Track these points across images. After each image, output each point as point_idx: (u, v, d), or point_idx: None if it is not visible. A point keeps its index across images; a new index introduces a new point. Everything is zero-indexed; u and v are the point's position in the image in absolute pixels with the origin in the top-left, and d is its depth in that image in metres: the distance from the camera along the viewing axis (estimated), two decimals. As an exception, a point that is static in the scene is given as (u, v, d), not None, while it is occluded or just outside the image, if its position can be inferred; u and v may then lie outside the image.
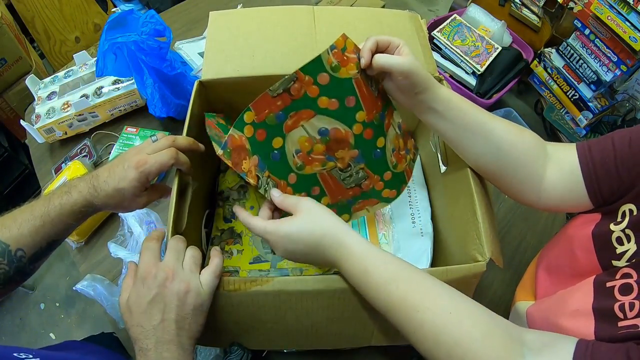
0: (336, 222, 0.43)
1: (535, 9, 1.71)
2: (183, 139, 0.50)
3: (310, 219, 0.43)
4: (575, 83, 1.48)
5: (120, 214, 0.73)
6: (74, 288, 0.67)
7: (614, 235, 0.41)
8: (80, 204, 0.46)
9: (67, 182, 0.48)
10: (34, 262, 0.46)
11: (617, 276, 0.39)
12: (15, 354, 0.41)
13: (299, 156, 0.50)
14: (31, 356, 0.42)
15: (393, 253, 0.61)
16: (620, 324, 0.36)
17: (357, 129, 0.50)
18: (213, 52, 0.59)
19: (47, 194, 0.47)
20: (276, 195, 0.47)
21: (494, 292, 0.71)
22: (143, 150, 0.48)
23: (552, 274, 0.53)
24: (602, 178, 0.43)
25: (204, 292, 0.42)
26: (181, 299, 0.40)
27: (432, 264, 0.62)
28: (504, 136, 0.47)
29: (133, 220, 0.71)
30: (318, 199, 0.52)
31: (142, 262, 0.42)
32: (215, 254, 0.46)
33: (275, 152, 0.48)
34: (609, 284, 0.39)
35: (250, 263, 0.59)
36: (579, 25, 1.39)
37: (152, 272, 0.41)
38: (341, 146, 0.51)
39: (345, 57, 0.46)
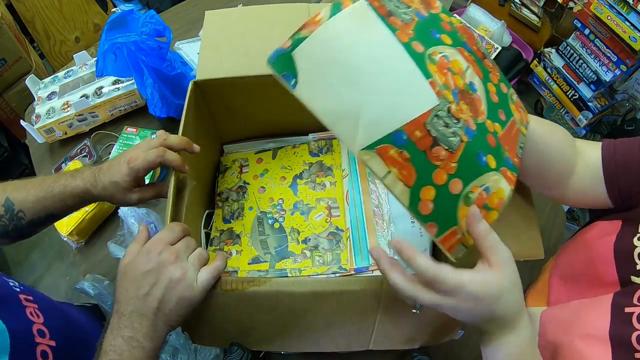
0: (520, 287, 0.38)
1: (535, 9, 1.71)
2: (175, 138, 0.50)
3: (508, 276, 0.37)
4: (575, 83, 1.48)
5: (120, 214, 0.73)
6: (74, 287, 0.67)
7: (637, 251, 0.41)
8: (79, 189, 0.50)
9: (79, 168, 0.53)
10: (31, 226, 0.51)
11: (636, 299, 0.38)
12: (10, 283, 0.46)
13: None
14: (31, 298, 0.47)
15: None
16: (637, 355, 0.35)
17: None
18: (208, 51, 0.59)
19: (63, 172, 0.52)
20: (483, 227, 0.37)
21: (493, 292, 0.71)
22: (139, 148, 0.50)
23: (567, 282, 0.52)
24: (623, 178, 0.43)
25: (197, 288, 0.42)
26: (172, 284, 0.41)
27: (432, 264, 0.62)
28: (538, 132, 0.45)
29: (133, 221, 0.71)
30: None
31: (156, 237, 0.43)
32: (220, 257, 0.46)
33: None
34: (627, 310, 0.38)
35: (249, 263, 0.59)
36: (579, 25, 1.39)
37: (159, 248, 0.42)
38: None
39: None
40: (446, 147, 0.35)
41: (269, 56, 0.35)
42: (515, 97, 0.44)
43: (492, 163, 0.38)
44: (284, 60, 0.35)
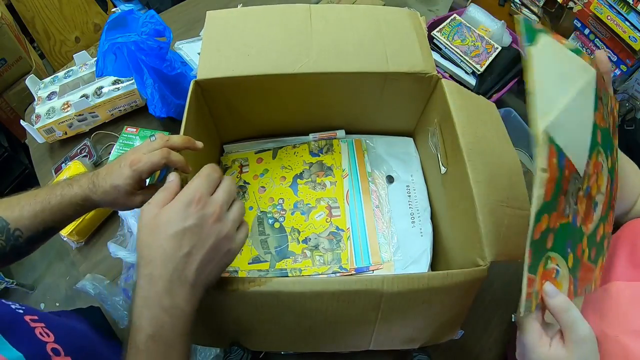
0: None
1: (535, 9, 1.71)
2: (177, 138, 0.50)
3: (578, 358, 0.36)
4: (575, 83, 1.48)
5: (120, 214, 0.73)
6: (74, 287, 0.67)
7: None
8: (79, 197, 0.48)
9: (72, 176, 0.50)
10: (30, 244, 0.48)
11: None
12: (12, 306, 0.43)
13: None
14: (37, 318, 0.44)
15: (392, 253, 0.61)
16: None
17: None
18: (209, 51, 0.59)
19: (54, 183, 0.49)
20: (559, 301, 0.36)
21: (494, 292, 0.71)
22: (139, 150, 0.48)
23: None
24: None
25: (236, 247, 0.40)
26: (216, 243, 0.37)
27: (432, 265, 0.62)
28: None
29: (133, 221, 0.71)
30: None
31: (193, 186, 0.39)
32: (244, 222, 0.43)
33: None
34: None
35: (249, 263, 0.59)
36: (579, 25, 1.39)
37: (201, 201, 0.37)
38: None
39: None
40: (568, 206, 0.38)
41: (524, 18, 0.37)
42: (602, 258, 0.46)
43: (570, 261, 0.39)
44: (531, 29, 0.37)
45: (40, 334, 0.43)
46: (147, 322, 0.35)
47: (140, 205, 0.50)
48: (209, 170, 0.41)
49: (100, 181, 0.48)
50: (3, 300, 0.43)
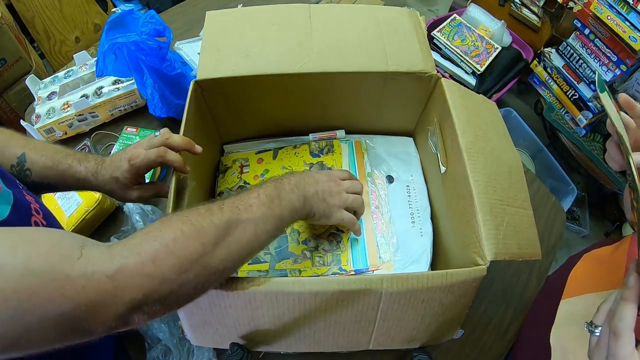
0: None
1: (535, 9, 1.71)
2: (177, 138, 0.51)
3: None
4: (575, 83, 1.48)
5: (126, 209, 0.74)
6: None
7: None
8: (81, 176, 0.51)
9: (89, 153, 0.54)
10: (35, 187, 0.51)
11: None
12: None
13: None
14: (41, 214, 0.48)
15: (392, 253, 0.61)
16: None
17: None
18: (209, 51, 0.59)
19: (74, 150, 0.54)
20: None
21: (494, 292, 0.71)
22: (140, 145, 0.51)
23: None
24: None
25: (331, 219, 0.53)
26: (330, 190, 0.53)
27: (432, 264, 0.62)
28: None
29: (138, 217, 0.71)
30: None
31: (334, 173, 0.56)
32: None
33: None
34: None
35: (249, 264, 0.59)
36: (579, 25, 1.39)
37: (338, 188, 0.54)
38: None
39: None
40: None
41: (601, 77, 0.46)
42: None
43: None
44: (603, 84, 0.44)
45: (35, 222, 0.46)
46: (269, 190, 0.46)
47: (136, 200, 0.53)
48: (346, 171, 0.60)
49: (102, 170, 0.51)
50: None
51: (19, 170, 0.50)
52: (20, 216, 0.43)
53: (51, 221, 0.52)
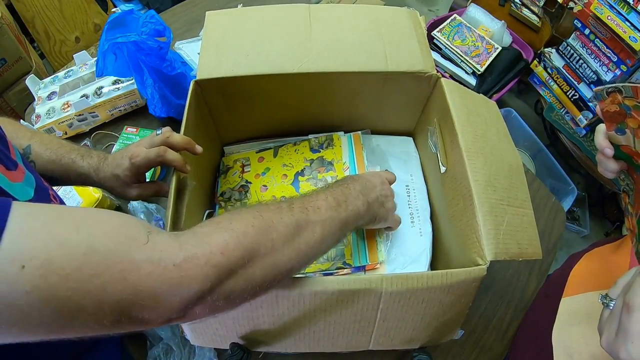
0: None
1: (535, 9, 1.71)
2: (178, 137, 0.51)
3: None
4: (575, 83, 1.48)
5: (130, 208, 0.74)
6: None
7: None
8: (83, 172, 0.52)
9: (92, 149, 0.56)
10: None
11: None
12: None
13: None
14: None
15: (390, 252, 0.61)
16: None
17: None
18: (208, 51, 0.59)
19: (78, 145, 0.55)
20: None
21: (494, 292, 0.71)
22: (141, 143, 0.51)
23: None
24: None
25: (386, 213, 0.53)
26: (383, 197, 0.52)
27: (432, 264, 0.62)
28: None
29: (142, 216, 0.72)
30: None
31: (382, 174, 0.56)
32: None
33: None
34: None
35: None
36: (579, 25, 1.39)
37: (391, 195, 0.55)
38: None
39: None
40: None
41: None
42: None
43: None
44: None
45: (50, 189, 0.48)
46: (337, 193, 0.45)
47: (135, 198, 0.54)
48: (388, 172, 0.58)
49: (104, 167, 0.52)
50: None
51: (24, 163, 0.50)
52: (42, 199, 0.44)
53: None
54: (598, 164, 0.47)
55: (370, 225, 0.53)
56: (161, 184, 0.57)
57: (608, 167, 0.46)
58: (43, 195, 0.45)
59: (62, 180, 0.53)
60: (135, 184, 0.53)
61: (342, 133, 0.71)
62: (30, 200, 0.41)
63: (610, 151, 0.45)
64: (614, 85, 0.39)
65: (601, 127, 0.45)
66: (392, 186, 0.56)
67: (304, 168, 0.68)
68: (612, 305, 0.36)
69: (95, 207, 0.73)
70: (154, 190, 0.56)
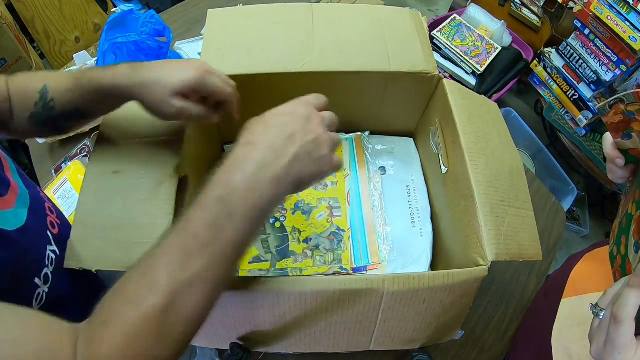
0: None
1: (535, 9, 1.71)
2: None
3: None
4: (575, 83, 1.48)
5: None
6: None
7: None
8: (108, 83, 0.43)
9: (113, 64, 0.47)
10: (63, 120, 0.46)
11: None
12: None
13: None
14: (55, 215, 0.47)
15: (392, 253, 0.61)
16: None
17: None
18: (210, 50, 0.59)
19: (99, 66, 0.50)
20: None
21: (494, 292, 0.71)
22: (217, 72, 0.46)
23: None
24: None
25: (331, 161, 0.37)
26: (318, 141, 0.36)
27: (433, 265, 0.62)
28: None
29: None
30: None
31: (302, 98, 0.39)
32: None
33: None
34: None
35: (250, 262, 0.59)
36: (579, 25, 1.39)
37: (307, 108, 0.37)
38: None
39: None
40: None
41: None
42: None
43: None
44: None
45: (51, 223, 0.46)
46: (220, 183, 0.33)
47: (175, 114, 0.43)
48: (319, 95, 0.41)
49: (144, 70, 0.43)
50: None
51: (44, 105, 0.45)
52: (37, 218, 0.42)
53: (63, 220, 0.51)
54: (608, 172, 0.47)
55: (302, 189, 0.38)
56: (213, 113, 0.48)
57: (618, 175, 0.46)
58: (39, 215, 0.43)
59: (86, 108, 0.46)
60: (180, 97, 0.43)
61: (342, 134, 0.71)
62: (23, 225, 0.41)
63: (621, 161, 0.44)
64: (615, 97, 0.39)
65: (608, 138, 0.45)
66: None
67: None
68: (601, 315, 0.36)
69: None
70: (204, 113, 0.46)
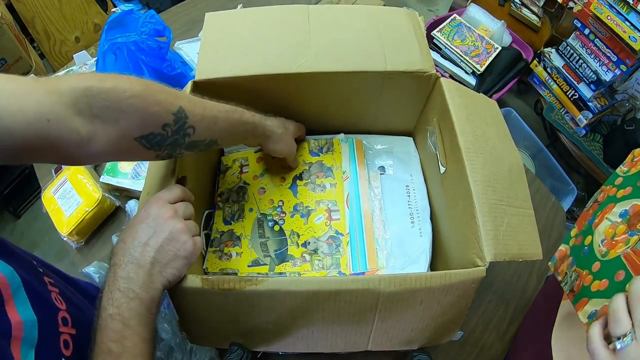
0: None
1: (535, 9, 1.71)
2: None
3: None
4: (575, 83, 1.48)
5: (127, 208, 0.74)
6: (81, 271, 0.67)
7: None
8: (251, 121, 0.53)
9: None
10: (186, 147, 0.46)
11: None
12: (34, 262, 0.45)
13: (604, 244, 0.48)
14: (53, 281, 0.46)
15: (391, 253, 0.61)
16: None
17: None
18: (207, 52, 0.59)
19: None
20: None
21: (493, 292, 0.71)
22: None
23: None
24: None
25: (194, 245, 0.43)
26: (171, 234, 0.41)
27: (432, 265, 0.62)
28: None
29: None
30: (624, 284, 0.44)
31: (155, 195, 0.44)
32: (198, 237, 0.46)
33: (585, 248, 0.49)
34: None
35: (249, 266, 0.59)
36: (579, 25, 1.39)
37: (158, 204, 0.43)
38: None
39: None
40: None
41: None
42: None
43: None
44: None
45: (55, 299, 0.44)
46: (109, 302, 0.38)
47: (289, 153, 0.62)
48: (172, 186, 0.46)
49: (271, 119, 0.57)
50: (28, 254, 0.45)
51: (178, 129, 0.43)
52: (47, 351, 0.39)
53: (63, 288, 0.47)
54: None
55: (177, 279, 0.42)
56: None
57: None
58: (49, 343, 0.39)
59: (223, 140, 0.49)
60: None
61: (342, 136, 0.71)
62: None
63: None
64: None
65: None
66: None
67: (303, 172, 0.68)
68: (628, 339, 0.37)
69: (96, 207, 0.73)
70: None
